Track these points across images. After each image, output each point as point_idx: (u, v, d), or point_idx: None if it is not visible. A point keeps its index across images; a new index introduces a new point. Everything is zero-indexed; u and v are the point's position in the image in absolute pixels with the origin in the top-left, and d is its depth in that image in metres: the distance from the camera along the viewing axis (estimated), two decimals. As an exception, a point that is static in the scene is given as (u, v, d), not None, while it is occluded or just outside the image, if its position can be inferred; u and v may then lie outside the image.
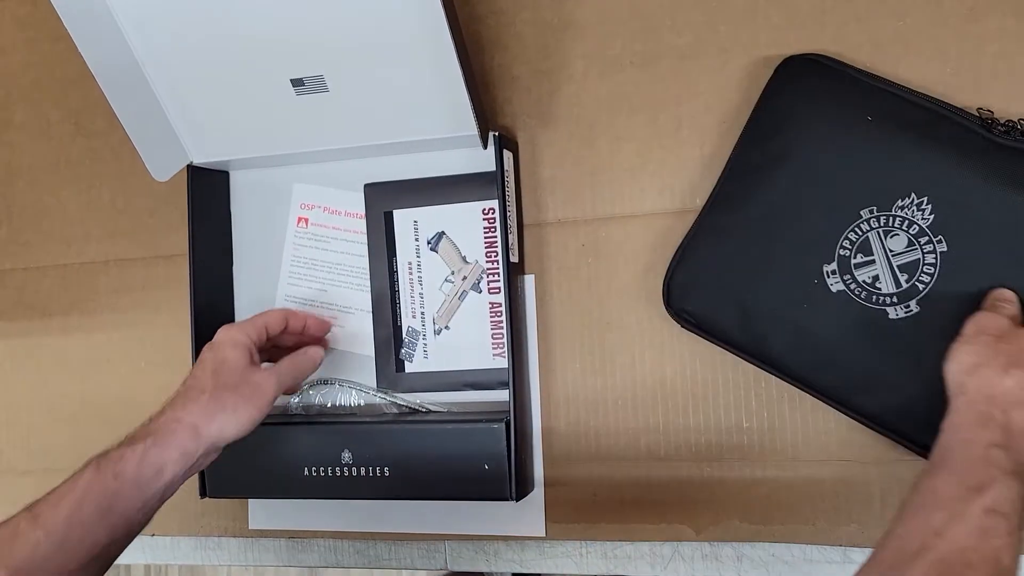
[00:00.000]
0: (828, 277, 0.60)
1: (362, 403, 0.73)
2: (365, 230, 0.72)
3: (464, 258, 0.70)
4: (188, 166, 0.71)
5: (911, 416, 0.59)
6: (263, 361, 0.65)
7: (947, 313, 0.57)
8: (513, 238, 0.67)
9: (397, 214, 0.71)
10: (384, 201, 0.71)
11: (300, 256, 0.75)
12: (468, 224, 0.70)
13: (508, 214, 0.66)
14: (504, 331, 0.65)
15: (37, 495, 0.80)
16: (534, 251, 0.70)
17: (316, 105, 0.65)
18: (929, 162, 0.58)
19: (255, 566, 0.76)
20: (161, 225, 0.78)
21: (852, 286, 0.59)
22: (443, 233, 0.70)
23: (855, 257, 0.59)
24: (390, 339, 0.71)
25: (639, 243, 0.68)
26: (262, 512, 0.75)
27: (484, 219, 0.69)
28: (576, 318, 0.69)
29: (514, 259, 0.67)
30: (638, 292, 0.67)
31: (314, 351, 0.68)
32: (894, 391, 0.59)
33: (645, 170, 0.68)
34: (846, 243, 0.59)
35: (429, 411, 0.70)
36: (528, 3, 0.70)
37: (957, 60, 0.62)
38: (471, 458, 0.64)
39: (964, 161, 0.57)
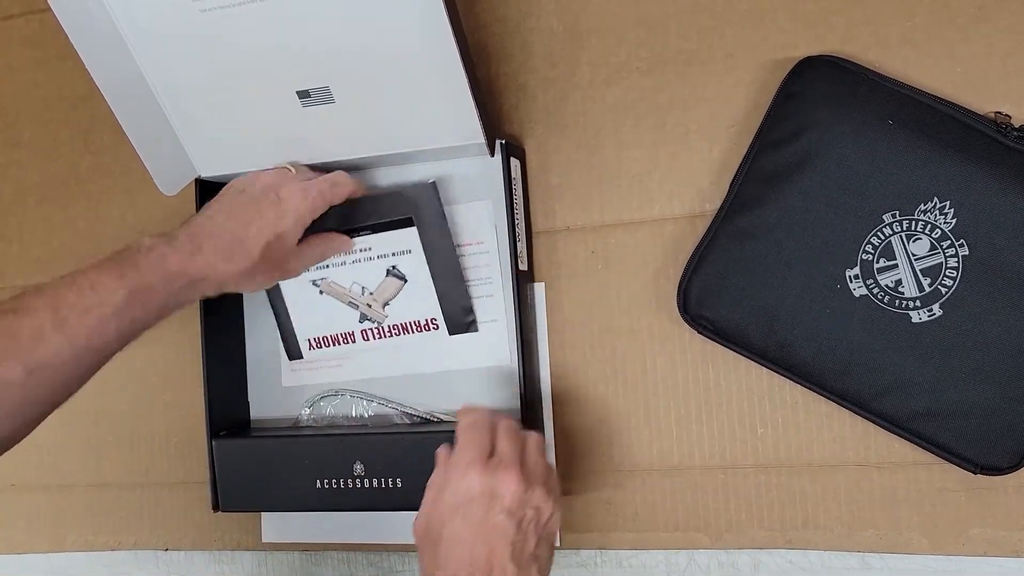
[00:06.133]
0: (851, 282, 0.59)
1: (372, 413, 0.72)
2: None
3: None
4: (196, 180, 0.71)
5: (935, 419, 0.58)
6: None
7: (970, 316, 0.57)
8: (522, 246, 0.67)
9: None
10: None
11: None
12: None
13: (516, 222, 0.66)
14: (514, 340, 0.64)
15: (52, 511, 0.81)
16: (544, 259, 0.70)
17: (323, 117, 0.65)
18: (950, 166, 0.57)
19: (269, 579, 0.76)
20: (170, 239, 0.78)
21: (875, 290, 0.59)
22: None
23: (878, 261, 0.59)
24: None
25: (649, 249, 0.67)
26: (275, 525, 0.75)
27: None
28: (587, 325, 0.68)
29: (523, 267, 0.67)
30: (649, 298, 0.67)
31: (342, 241, 0.68)
32: (918, 395, 0.58)
33: (653, 176, 0.67)
34: (869, 247, 0.59)
35: (440, 420, 0.70)
36: (533, 11, 0.70)
37: (967, 60, 0.61)
38: None
39: (983, 165, 0.57)
